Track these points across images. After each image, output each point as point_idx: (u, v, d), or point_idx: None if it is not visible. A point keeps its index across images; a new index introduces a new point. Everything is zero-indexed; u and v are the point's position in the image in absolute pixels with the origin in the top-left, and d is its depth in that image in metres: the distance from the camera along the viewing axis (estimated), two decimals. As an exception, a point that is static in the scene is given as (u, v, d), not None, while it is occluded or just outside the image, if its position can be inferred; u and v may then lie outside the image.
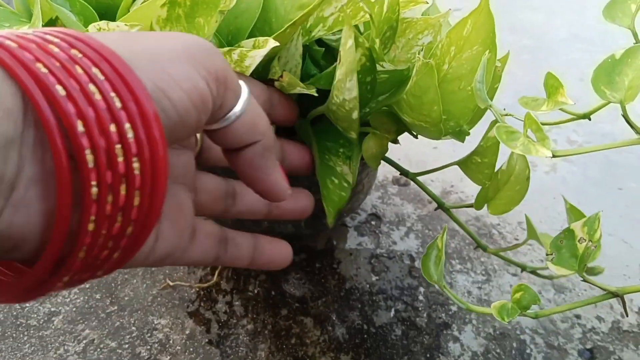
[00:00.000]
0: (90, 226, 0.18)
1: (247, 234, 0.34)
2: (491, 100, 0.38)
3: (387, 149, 0.41)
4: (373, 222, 0.61)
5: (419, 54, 0.37)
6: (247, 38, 0.37)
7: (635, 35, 0.38)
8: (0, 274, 0.20)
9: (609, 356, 0.51)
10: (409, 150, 0.69)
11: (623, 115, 0.32)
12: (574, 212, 0.47)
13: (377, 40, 0.36)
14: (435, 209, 0.48)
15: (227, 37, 0.39)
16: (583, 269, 0.35)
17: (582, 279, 0.36)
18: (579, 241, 0.36)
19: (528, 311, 0.37)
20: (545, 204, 0.64)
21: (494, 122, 0.37)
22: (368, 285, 0.55)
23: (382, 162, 0.43)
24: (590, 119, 0.38)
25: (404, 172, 0.47)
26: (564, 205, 0.48)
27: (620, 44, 0.42)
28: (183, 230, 0.29)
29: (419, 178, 0.46)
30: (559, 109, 0.37)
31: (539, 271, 0.48)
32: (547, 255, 0.37)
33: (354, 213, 0.62)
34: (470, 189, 0.65)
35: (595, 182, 0.68)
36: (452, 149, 0.69)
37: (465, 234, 0.60)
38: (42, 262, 0.18)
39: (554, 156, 0.33)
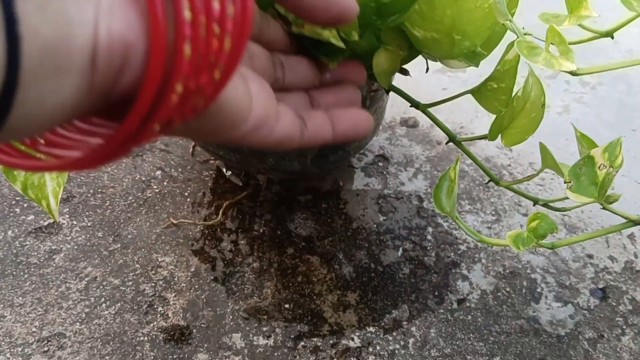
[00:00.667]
0: (187, 24, 0.16)
1: (318, 110, 0.31)
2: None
3: (398, 66, 0.39)
4: (380, 164, 0.59)
5: None
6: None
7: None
8: (94, 135, 0.19)
9: (622, 296, 0.50)
10: (418, 91, 0.67)
11: None
12: (585, 141, 0.46)
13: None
14: (447, 143, 0.46)
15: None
16: (603, 195, 0.34)
17: (601, 206, 0.35)
18: (599, 168, 0.35)
19: (544, 241, 0.36)
20: (557, 145, 0.62)
21: (511, 44, 0.35)
22: (375, 225, 0.54)
23: (390, 102, 0.41)
24: (613, 37, 0.36)
25: (414, 104, 0.45)
26: (575, 136, 0.46)
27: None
28: (270, 93, 0.26)
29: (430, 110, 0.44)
30: (582, 28, 0.35)
31: (551, 204, 0.46)
32: (565, 183, 0.36)
33: (361, 154, 0.60)
34: (480, 129, 0.64)
35: (609, 124, 0.66)
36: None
37: (474, 174, 0.59)
38: (151, 71, 0.16)
39: (576, 74, 0.31)
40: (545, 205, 0.47)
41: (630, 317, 0.49)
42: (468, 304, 0.48)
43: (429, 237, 0.53)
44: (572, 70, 0.29)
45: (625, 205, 0.56)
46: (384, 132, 0.63)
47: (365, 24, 0.34)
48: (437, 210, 0.42)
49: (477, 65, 0.39)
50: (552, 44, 0.30)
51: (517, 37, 0.32)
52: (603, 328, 0.48)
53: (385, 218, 0.54)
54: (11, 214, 0.51)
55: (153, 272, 0.48)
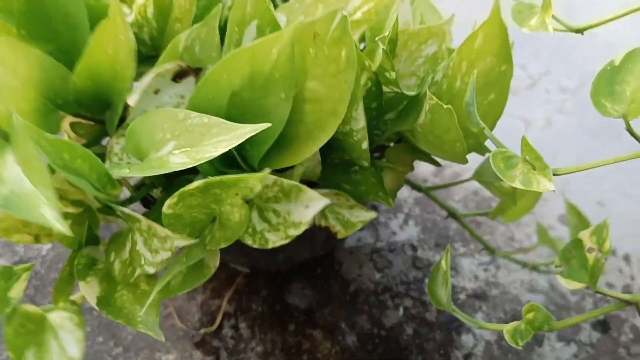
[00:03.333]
0: None
1: None
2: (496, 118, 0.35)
3: (403, 182, 0.39)
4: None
5: (427, 87, 0.34)
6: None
7: None
8: None
9: (622, 324, 0.51)
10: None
11: (628, 130, 0.29)
12: (573, 213, 0.46)
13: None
14: (446, 218, 0.46)
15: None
16: (595, 282, 0.34)
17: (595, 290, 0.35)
18: (587, 251, 0.35)
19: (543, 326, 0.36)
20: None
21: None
22: (373, 285, 0.54)
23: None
24: (582, 34, 0.35)
25: (416, 187, 0.45)
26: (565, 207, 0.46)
27: None
28: None
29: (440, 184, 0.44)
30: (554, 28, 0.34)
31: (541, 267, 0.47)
32: (555, 267, 0.36)
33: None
34: (461, 169, 0.63)
35: (593, 132, 0.66)
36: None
37: (464, 210, 0.58)
38: None
39: (555, 174, 0.31)
40: (534, 268, 0.48)
41: (632, 346, 0.50)
42: (474, 358, 0.49)
43: (427, 290, 0.53)
44: (551, 189, 0.28)
45: (619, 222, 0.56)
46: (369, 177, 0.62)
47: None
48: (435, 259, 0.42)
49: (483, 155, 0.39)
50: (526, 158, 0.30)
51: (495, 147, 0.31)
52: (608, 364, 0.49)
53: (381, 275, 0.54)
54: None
55: (159, 373, 0.48)
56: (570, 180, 0.60)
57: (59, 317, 0.34)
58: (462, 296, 0.53)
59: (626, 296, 0.35)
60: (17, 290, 0.33)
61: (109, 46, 0.32)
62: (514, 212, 0.47)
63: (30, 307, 0.34)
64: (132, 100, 0.32)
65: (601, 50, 0.74)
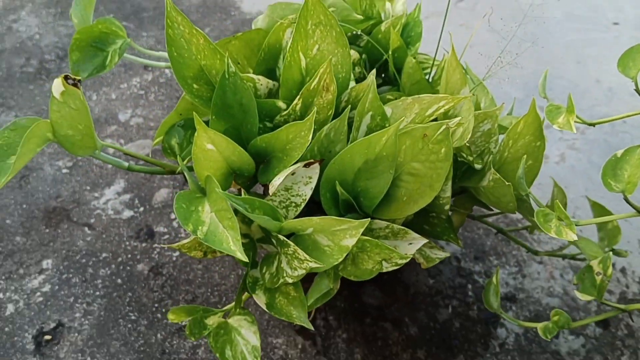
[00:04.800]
0: None
1: None
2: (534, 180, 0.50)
3: (465, 221, 0.54)
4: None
5: (488, 157, 0.49)
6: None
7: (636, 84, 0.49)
8: None
9: (619, 322, 0.67)
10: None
11: (625, 200, 0.45)
12: (596, 208, 0.61)
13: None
14: (496, 234, 0.61)
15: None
16: (601, 296, 0.50)
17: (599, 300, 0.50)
18: (596, 274, 0.50)
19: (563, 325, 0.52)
20: (560, 197, 0.77)
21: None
22: (427, 289, 0.70)
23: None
24: (594, 126, 0.50)
25: (473, 217, 0.61)
26: (583, 197, 0.61)
27: (609, 17, 0.53)
28: None
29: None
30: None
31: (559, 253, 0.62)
32: (574, 284, 0.52)
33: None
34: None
35: (599, 166, 0.81)
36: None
37: (497, 232, 0.74)
38: None
39: (577, 225, 0.47)
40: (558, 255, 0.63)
41: (626, 340, 0.66)
42: (507, 347, 0.65)
43: (469, 293, 0.69)
44: (574, 239, 0.44)
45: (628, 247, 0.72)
46: (420, 201, 0.78)
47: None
48: (475, 269, 0.58)
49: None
50: (559, 217, 0.45)
51: (538, 206, 0.47)
52: (607, 352, 0.65)
53: (434, 281, 0.70)
54: (155, 320, 0.67)
55: (272, 352, 0.64)
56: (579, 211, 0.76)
57: (237, 320, 0.50)
58: (501, 297, 0.69)
59: (622, 306, 0.51)
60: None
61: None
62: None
63: (219, 319, 0.50)
64: (277, 181, 0.46)
65: (605, 95, 0.89)
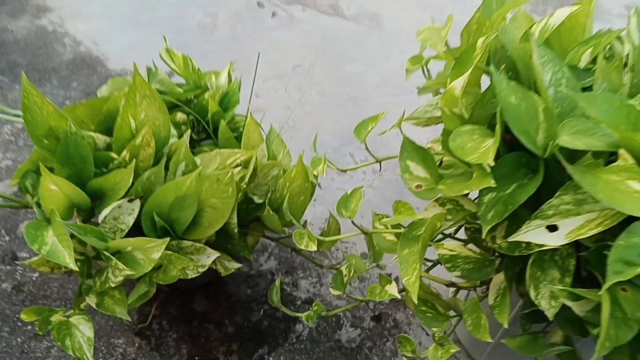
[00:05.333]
0: None
1: None
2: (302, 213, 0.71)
3: (259, 241, 0.74)
4: (246, 252, 0.94)
5: (269, 195, 0.70)
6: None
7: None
8: None
9: (388, 317, 0.90)
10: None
11: (352, 223, 0.67)
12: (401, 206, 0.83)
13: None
14: (291, 252, 0.82)
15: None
16: (344, 290, 0.71)
17: (376, 269, 0.72)
18: (344, 276, 0.72)
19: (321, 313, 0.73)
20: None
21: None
22: (245, 297, 0.89)
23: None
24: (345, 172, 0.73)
25: (272, 239, 0.81)
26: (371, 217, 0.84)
27: (414, 83, 0.76)
28: None
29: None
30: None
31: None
32: (330, 284, 0.73)
33: (234, 247, 0.94)
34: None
35: (390, 201, 1.06)
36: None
37: (292, 250, 0.95)
38: None
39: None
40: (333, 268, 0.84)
41: (392, 330, 0.88)
42: (302, 338, 0.85)
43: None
44: (314, 249, 0.65)
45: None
46: (247, 229, 0.97)
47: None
48: (284, 281, 0.78)
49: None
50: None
51: (298, 228, 0.68)
52: (376, 339, 0.87)
53: (251, 290, 0.90)
54: (16, 327, 0.80)
55: (113, 350, 0.80)
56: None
57: (76, 319, 0.66)
58: (299, 302, 0.89)
59: (360, 297, 0.72)
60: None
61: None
62: (325, 246, 0.83)
63: (61, 317, 0.66)
64: (104, 213, 0.64)
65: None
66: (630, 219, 0.47)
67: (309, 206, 0.99)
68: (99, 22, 1.30)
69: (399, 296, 0.64)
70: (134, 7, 1.35)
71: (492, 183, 0.51)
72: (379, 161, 0.71)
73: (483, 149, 0.53)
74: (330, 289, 0.73)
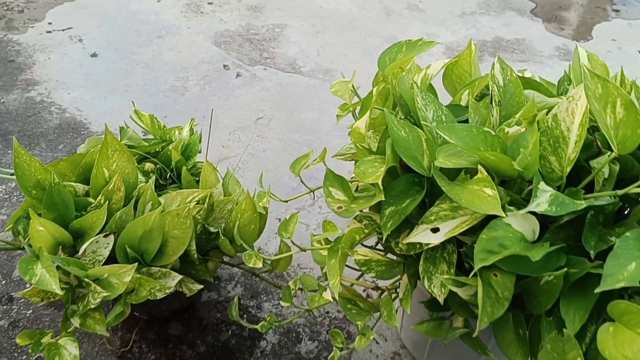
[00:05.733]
0: None
1: None
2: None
3: (219, 266, 0.87)
4: (216, 282, 1.07)
5: (222, 229, 0.83)
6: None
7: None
8: None
9: (342, 330, 1.01)
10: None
11: (292, 241, 0.80)
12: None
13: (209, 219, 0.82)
14: (251, 276, 0.94)
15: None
16: (291, 302, 0.84)
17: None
18: (291, 290, 0.85)
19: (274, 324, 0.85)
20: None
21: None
22: (215, 320, 1.01)
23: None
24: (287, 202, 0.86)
25: (233, 265, 0.93)
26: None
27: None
28: None
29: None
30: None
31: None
32: (280, 298, 0.85)
33: (204, 278, 1.07)
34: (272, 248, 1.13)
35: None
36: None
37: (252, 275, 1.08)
38: None
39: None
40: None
41: (346, 341, 1.00)
42: (265, 352, 0.97)
43: (244, 320, 1.01)
44: (259, 266, 0.78)
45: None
46: (216, 262, 1.10)
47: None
48: (250, 304, 0.90)
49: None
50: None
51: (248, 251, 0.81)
52: (332, 350, 0.98)
53: (220, 315, 1.02)
54: (13, 357, 0.91)
55: (98, 374, 0.91)
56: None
57: (63, 340, 0.78)
58: (262, 322, 1.01)
59: (306, 307, 0.85)
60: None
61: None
62: (280, 268, 0.96)
63: (51, 340, 0.78)
64: (84, 247, 0.77)
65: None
66: (490, 218, 0.61)
67: (273, 237, 1.13)
68: (82, 92, 1.46)
69: (332, 300, 0.76)
70: (112, 76, 1.52)
71: (382, 197, 0.65)
72: (312, 191, 0.85)
73: (379, 172, 0.67)
74: (280, 302, 0.85)
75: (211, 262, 0.89)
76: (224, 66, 1.56)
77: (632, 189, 0.63)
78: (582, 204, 0.60)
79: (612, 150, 0.61)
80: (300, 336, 1.00)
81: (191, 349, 0.96)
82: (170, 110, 1.41)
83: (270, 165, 1.30)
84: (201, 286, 0.85)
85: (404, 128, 0.69)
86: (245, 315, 1.02)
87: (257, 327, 0.83)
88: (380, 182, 0.67)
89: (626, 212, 0.70)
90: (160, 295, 0.80)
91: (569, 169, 0.64)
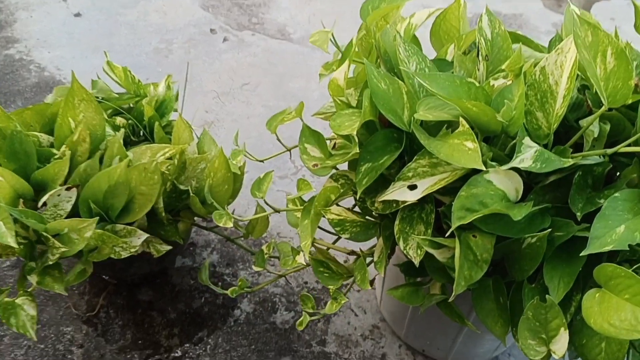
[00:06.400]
0: None
1: None
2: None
3: (190, 227, 0.83)
4: (191, 248, 1.03)
5: (195, 184, 0.79)
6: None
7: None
8: None
9: (320, 302, 0.98)
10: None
11: (265, 202, 0.76)
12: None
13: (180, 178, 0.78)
14: (226, 241, 0.90)
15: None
16: (264, 266, 0.79)
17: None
18: (265, 254, 0.80)
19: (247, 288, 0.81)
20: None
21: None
22: (188, 287, 0.97)
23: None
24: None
25: (205, 228, 0.89)
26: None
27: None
28: None
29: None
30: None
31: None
32: (253, 262, 0.81)
33: (179, 244, 1.03)
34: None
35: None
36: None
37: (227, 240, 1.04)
38: None
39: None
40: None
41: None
42: (239, 321, 0.93)
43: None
44: (230, 226, 0.74)
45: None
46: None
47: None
48: (225, 272, 0.86)
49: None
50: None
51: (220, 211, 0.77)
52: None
53: (194, 281, 0.98)
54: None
55: (62, 337, 0.87)
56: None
57: (21, 300, 0.74)
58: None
59: (280, 272, 0.81)
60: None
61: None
62: (256, 234, 0.91)
63: (7, 299, 0.74)
64: (44, 199, 0.73)
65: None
66: (471, 176, 0.57)
67: (254, 204, 1.09)
68: (62, 51, 1.41)
69: (304, 263, 0.72)
70: (95, 36, 1.46)
71: (357, 149, 0.61)
72: (289, 149, 0.81)
73: (355, 125, 0.63)
74: (253, 265, 0.81)
75: (181, 223, 0.85)
76: (211, 30, 1.51)
77: (623, 148, 0.59)
78: (568, 161, 0.56)
79: (602, 105, 0.57)
80: (277, 306, 0.96)
81: (161, 316, 0.92)
82: (152, 72, 1.36)
83: (254, 131, 1.25)
84: (169, 247, 0.81)
85: (384, 80, 0.65)
86: (220, 283, 0.98)
87: (228, 292, 0.79)
88: (355, 134, 0.62)
89: (617, 175, 0.66)
90: (124, 255, 0.75)
91: (556, 126, 0.60)
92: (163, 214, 0.78)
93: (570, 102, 0.61)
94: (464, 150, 0.56)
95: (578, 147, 0.65)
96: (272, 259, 1.02)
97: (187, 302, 0.94)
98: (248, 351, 0.89)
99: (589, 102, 0.67)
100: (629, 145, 0.59)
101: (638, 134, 0.58)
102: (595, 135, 0.63)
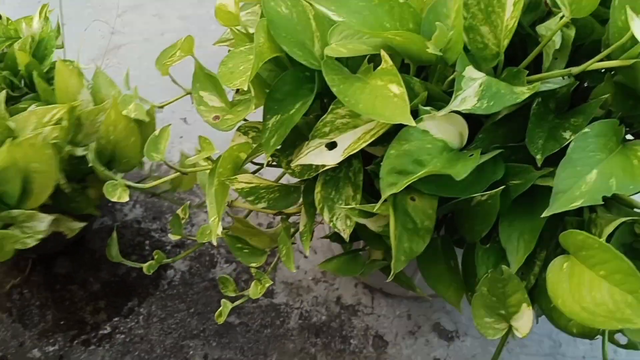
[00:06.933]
0: None
1: None
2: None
3: (102, 193, 0.69)
4: (110, 204, 0.90)
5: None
6: None
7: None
8: None
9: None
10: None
11: (165, 164, 0.62)
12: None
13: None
14: (151, 196, 0.77)
15: None
16: (181, 234, 0.68)
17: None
18: (181, 219, 0.68)
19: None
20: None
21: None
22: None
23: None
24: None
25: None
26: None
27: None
28: None
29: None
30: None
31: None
32: (169, 229, 0.69)
33: (96, 201, 0.89)
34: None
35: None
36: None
37: (152, 195, 0.91)
38: None
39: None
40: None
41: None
42: (174, 283, 0.83)
43: (147, 247, 0.86)
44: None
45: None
46: (110, 180, 0.92)
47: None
48: (152, 227, 0.74)
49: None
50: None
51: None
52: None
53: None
54: None
55: (-30, 331, 0.77)
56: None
57: None
58: (169, 247, 0.86)
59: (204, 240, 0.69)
60: None
61: None
62: (185, 185, 0.79)
63: None
64: None
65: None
66: (402, 125, 0.44)
67: (177, 143, 0.95)
68: None
69: (221, 235, 0.61)
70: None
71: (254, 101, 0.47)
72: (189, 93, 0.66)
73: (250, 72, 0.48)
74: (169, 234, 0.69)
75: (91, 189, 0.71)
76: None
77: (592, 64, 0.46)
78: (524, 93, 0.43)
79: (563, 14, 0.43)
80: (215, 259, 0.86)
81: (82, 289, 0.81)
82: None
83: (171, 53, 1.07)
84: (83, 224, 0.68)
85: (285, 3, 0.49)
86: (147, 242, 0.87)
87: (144, 268, 0.68)
88: (251, 86, 0.48)
89: (584, 86, 0.53)
90: (32, 243, 0.63)
91: (506, 42, 0.46)
92: (67, 187, 0.65)
93: (523, 5, 0.47)
94: (388, 97, 0.43)
95: (536, 61, 0.51)
96: (203, 209, 0.91)
97: (111, 270, 0.84)
98: (187, 315, 0.80)
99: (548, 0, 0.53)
100: (601, 60, 0.46)
101: (612, 46, 0.45)
102: (557, 47, 0.50)
